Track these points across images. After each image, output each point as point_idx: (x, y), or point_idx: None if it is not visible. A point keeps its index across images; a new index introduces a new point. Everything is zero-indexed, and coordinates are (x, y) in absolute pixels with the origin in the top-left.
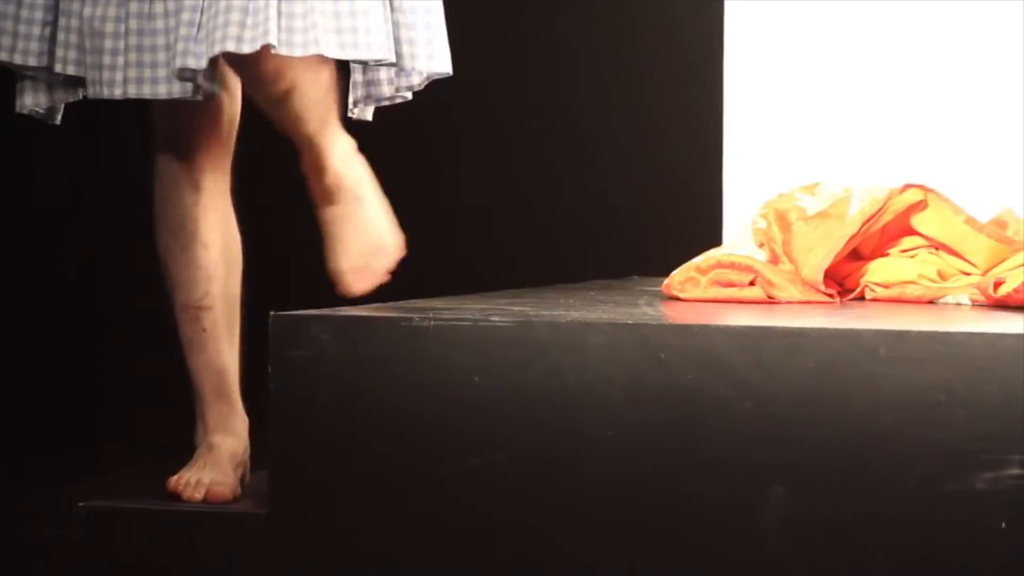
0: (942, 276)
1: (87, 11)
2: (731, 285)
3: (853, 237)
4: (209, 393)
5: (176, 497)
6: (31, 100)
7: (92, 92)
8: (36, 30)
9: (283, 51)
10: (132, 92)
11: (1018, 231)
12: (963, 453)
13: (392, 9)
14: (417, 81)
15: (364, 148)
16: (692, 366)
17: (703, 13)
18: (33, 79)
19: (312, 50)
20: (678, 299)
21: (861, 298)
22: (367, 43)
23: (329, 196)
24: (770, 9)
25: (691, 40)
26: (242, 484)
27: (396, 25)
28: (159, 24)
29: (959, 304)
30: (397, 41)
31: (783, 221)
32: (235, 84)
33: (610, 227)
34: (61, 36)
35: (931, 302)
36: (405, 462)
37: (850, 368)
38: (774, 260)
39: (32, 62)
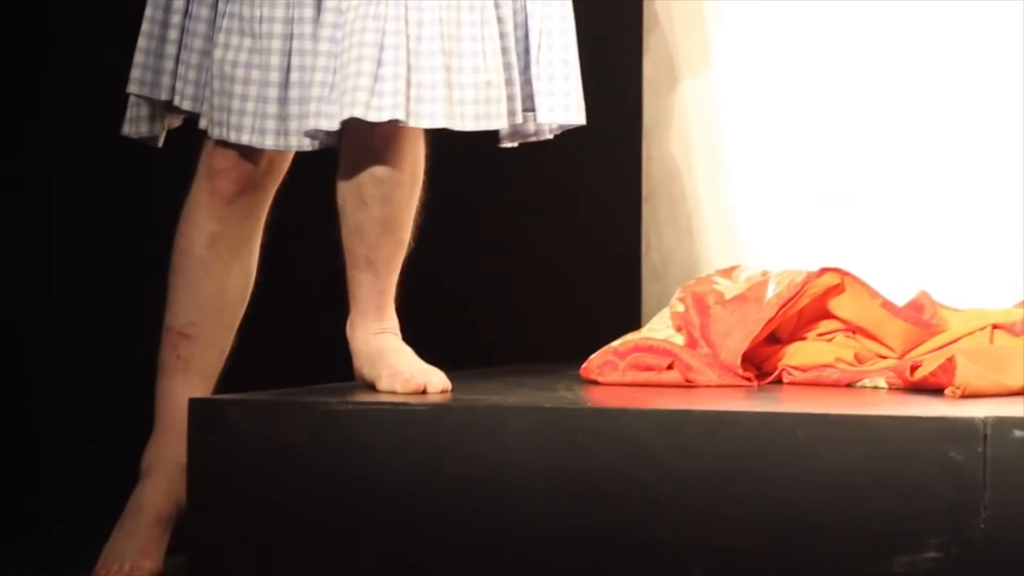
0: (859, 359)
1: (218, 53)
2: (649, 369)
3: (771, 321)
4: (161, 425)
5: None
6: (145, 128)
7: (217, 133)
8: (169, 65)
9: (411, 123)
10: (255, 141)
11: (934, 315)
12: (881, 535)
13: (529, 63)
14: (555, 127)
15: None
16: (611, 449)
17: (621, 95)
18: (151, 108)
19: (439, 123)
20: (596, 383)
21: (779, 381)
22: (486, 113)
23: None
24: (689, 93)
25: (610, 126)
26: (177, 516)
27: (535, 78)
28: (283, 77)
29: (876, 387)
30: (536, 94)
31: (701, 305)
32: None
33: (527, 311)
34: (182, 70)
35: (848, 385)
36: (324, 546)
37: (768, 451)
38: (692, 344)
39: (165, 96)
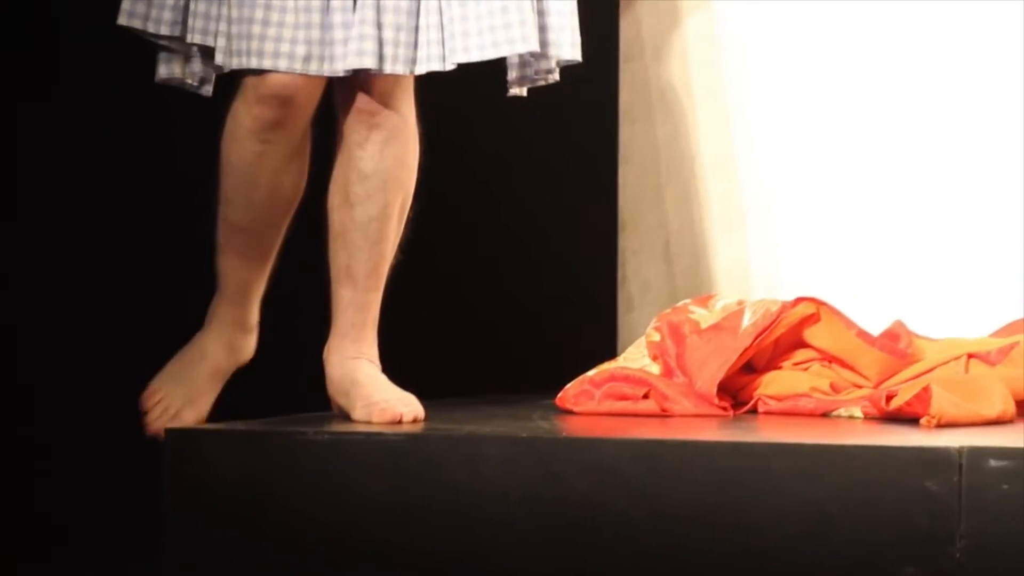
0: (835, 389)
1: None
2: (625, 398)
3: (746, 350)
4: (223, 292)
5: (143, 412)
6: (166, 71)
7: (237, 63)
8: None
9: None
10: (306, 67)
11: (909, 344)
12: (857, 565)
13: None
14: (553, 65)
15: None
16: (587, 479)
17: (598, 123)
18: (169, 49)
19: (475, 56)
20: (572, 412)
21: (754, 411)
22: (522, 36)
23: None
24: (665, 122)
25: (586, 154)
26: (238, 361)
27: (541, 14)
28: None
29: (852, 417)
30: (541, 30)
31: (677, 334)
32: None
33: (503, 339)
34: (192, 5)
35: (824, 415)
36: (301, 575)
37: (744, 480)
38: (668, 373)
39: (164, 31)
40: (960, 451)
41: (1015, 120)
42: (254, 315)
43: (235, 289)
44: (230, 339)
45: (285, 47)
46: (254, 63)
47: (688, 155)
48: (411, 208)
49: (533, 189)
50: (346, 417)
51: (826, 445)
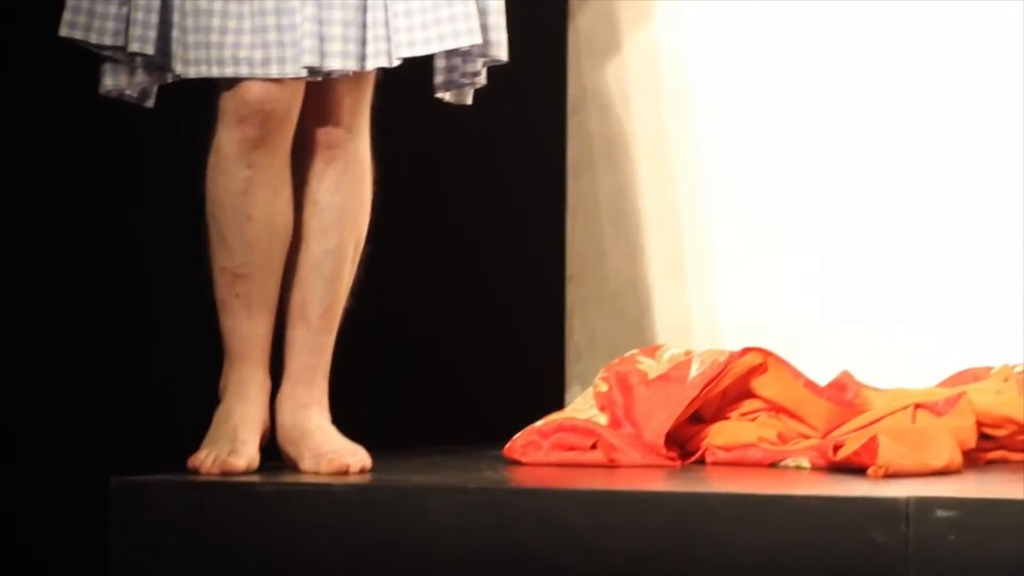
0: (782, 439)
1: None
2: (573, 448)
3: (694, 400)
4: (233, 356)
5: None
6: (111, 82)
7: (195, 72)
8: (113, 9)
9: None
10: (266, 71)
11: (856, 394)
12: None
13: None
14: (479, 67)
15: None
16: (536, 530)
17: (545, 175)
18: (113, 60)
19: (420, 50)
20: (520, 463)
21: (702, 461)
22: (467, 29)
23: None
24: (611, 174)
25: (534, 206)
26: (263, 441)
27: (479, 13)
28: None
29: (799, 467)
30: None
31: (624, 385)
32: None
33: (451, 390)
34: (133, 15)
35: (771, 465)
36: None
37: (692, 531)
38: (616, 424)
39: (107, 41)
40: (907, 501)
41: (953, 184)
42: (268, 378)
43: (243, 347)
44: (255, 398)
45: (244, 52)
46: (215, 71)
47: (634, 207)
48: (363, 250)
49: (481, 240)
50: (294, 466)
51: (774, 495)
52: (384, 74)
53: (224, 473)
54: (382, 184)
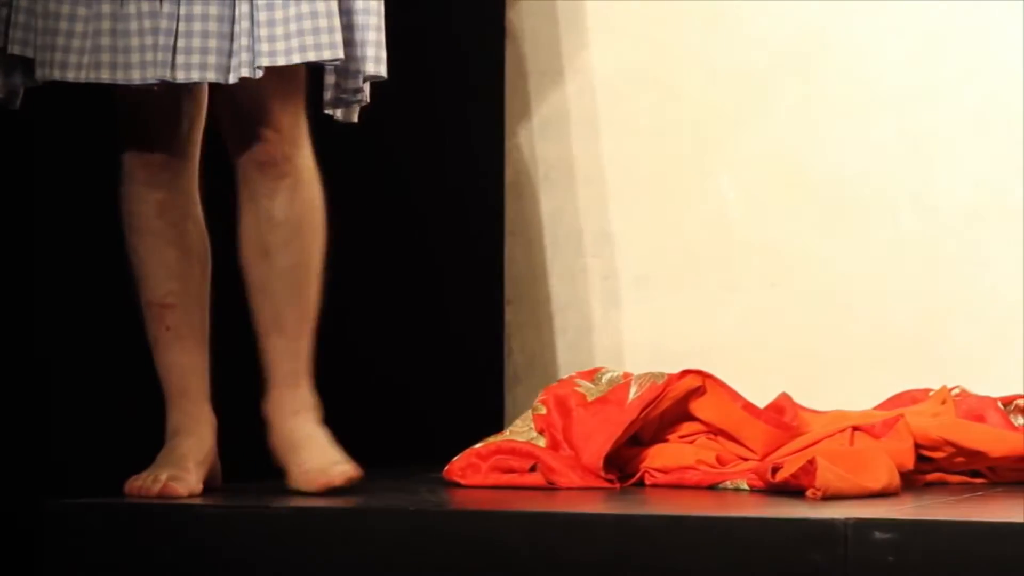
0: (721, 461)
1: None
2: (512, 471)
3: (632, 423)
4: (174, 393)
5: (133, 496)
6: None
7: (40, 74)
8: None
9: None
10: (92, 76)
11: (794, 417)
12: None
13: (341, 12)
14: (360, 83)
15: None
16: (475, 552)
17: (484, 198)
18: None
19: (281, 60)
20: (459, 485)
21: (641, 483)
22: (330, 43)
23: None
24: (549, 198)
25: (473, 229)
26: (207, 484)
27: (347, 28)
28: (131, 9)
29: (738, 489)
30: (346, 44)
31: (563, 407)
32: (198, 88)
33: (388, 413)
34: (13, 16)
35: (710, 487)
36: None
37: (631, 553)
38: (554, 446)
39: None
40: (846, 523)
41: (891, 190)
42: (212, 413)
43: (183, 382)
44: (202, 434)
45: (87, 58)
46: (57, 75)
47: (573, 230)
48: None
49: (419, 262)
50: (283, 476)
51: (712, 517)
52: (313, 90)
53: (162, 497)
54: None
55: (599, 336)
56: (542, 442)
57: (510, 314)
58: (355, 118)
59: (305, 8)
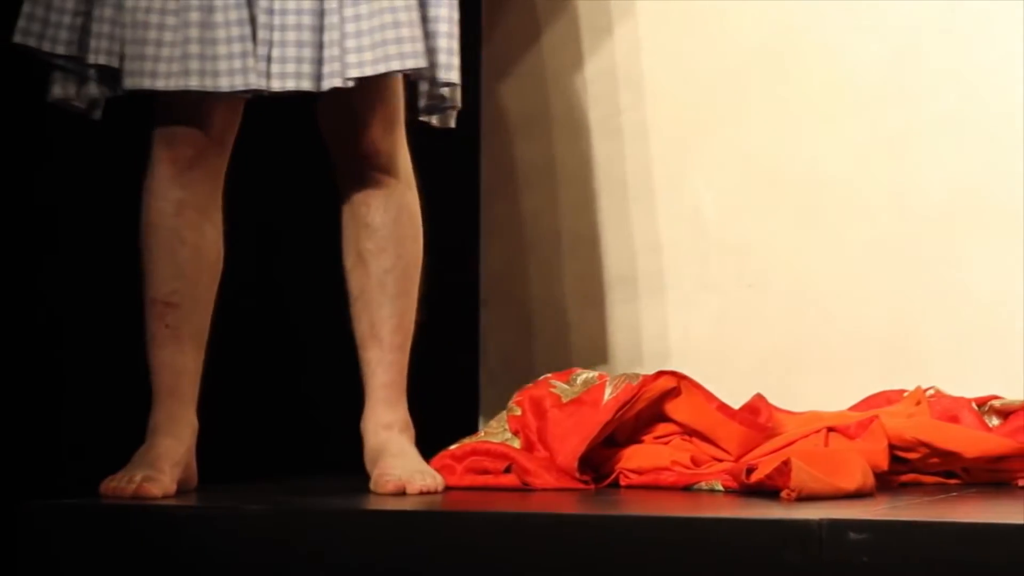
0: (696, 462)
1: (130, 2)
2: (486, 472)
3: (607, 424)
4: (162, 392)
5: (108, 497)
6: (60, 91)
7: (131, 83)
8: (67, 19)
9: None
10: (179, 84)
11: (769, 418)
12: None
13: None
14: (442, 90)
15: None
16: (449, 553)
17: (459, 198)
18: (64, 69)
19: (368, 71)
20: None
21: (616, 484)
22: (413, 52)
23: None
24: (526, 199)
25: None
26: (181, 487)
27: (427, 36)
28: (219, 18)
29: (713, 490)
30: (429, 52)
31: (538, 408)
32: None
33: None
34: (95, 27)
35: (685, 488)
36: None
37: (606, 554)
38: (529, 447)
39: (61, 50)
40: (820, 524)
41: (867, 190)
42: (195, 417)
43: (173, 382)
44: (181, 435)
45: (163, 66)
46: (147, 84)
47: (550, 232)
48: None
49: None
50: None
51: (688, 518)
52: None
53: (136, 497)
54: (291, 205)
55: (575, 337)
56: (517, 443)
57: (485, 315)
58: (452, 123)
59: (388, 18)
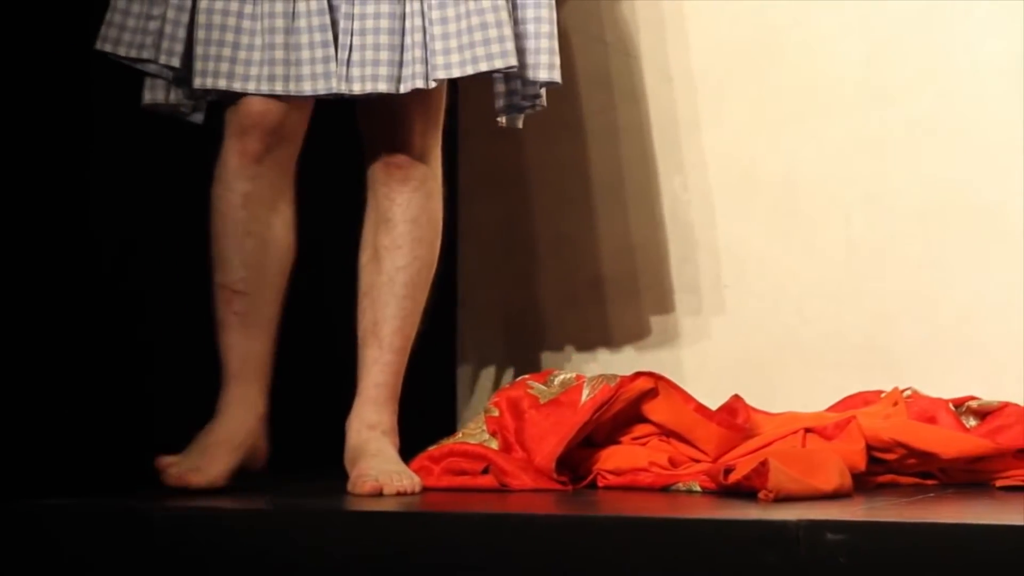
0: (673, 463)
1: (204, 3)
2: (465, 473)
3: (585, 425)
4: (230, 374)
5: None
6: (149, 96)
7: (212, 83)
8: (145, 24)
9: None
10: (264, 88)
11: (747, 419)
12: None
13: (516, 22)
14: (538, 89)
15: None
16: (428, 554)
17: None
18: (153, 75)
19: (456, 72)
20: None
21: (594, 485)
22: (501, 52)
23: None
24: (503, 201)
25: None
26: (247, 468)
27: (519, 36)
28: (302, 23)
29: (690, 491)
30: (519, 52)
31: (516, 409)
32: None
33: (340, 414)
34: (167, 29)
35: (663, 489)
36: None
37: (583, 555)
38: (507, 448)
39: (142, 55)
40: (798, 525)
41: (844, 191)
42: (263, 399)
43: (239, 365)
44: (244, 420)
45: (254, 69)
46: (223, 84)
47: (526, 234)
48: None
49: None
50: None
51: (665, 519)
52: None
53: (180, 487)
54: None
55: (552, 338)
56: (495, 444)
57: (462, 317)
58: (520, 124)
59: (475, 20)
